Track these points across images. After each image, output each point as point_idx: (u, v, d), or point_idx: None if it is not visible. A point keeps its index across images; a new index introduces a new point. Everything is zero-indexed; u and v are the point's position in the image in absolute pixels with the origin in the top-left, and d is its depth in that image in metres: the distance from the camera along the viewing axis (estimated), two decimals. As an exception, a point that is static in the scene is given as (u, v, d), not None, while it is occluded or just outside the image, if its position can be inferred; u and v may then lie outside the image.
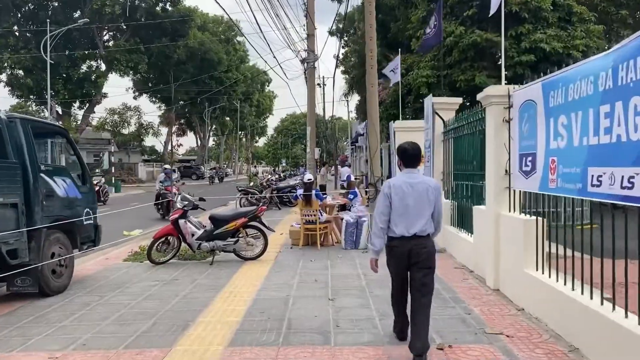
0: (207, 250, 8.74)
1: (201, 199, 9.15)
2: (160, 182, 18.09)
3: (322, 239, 10.20)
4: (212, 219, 8.81)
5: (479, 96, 7.19)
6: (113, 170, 38.54)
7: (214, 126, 75.84)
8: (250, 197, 18.54)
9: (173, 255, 8.97)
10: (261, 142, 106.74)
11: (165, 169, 19.41)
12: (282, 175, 34.67)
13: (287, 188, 20.50)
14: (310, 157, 20.10)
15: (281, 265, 8.44)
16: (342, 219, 10.37)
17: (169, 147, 60.97)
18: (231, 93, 66.57)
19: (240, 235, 8.79)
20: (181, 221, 8.67)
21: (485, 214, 7.00)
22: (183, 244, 8.88)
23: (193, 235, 8.70)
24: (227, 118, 75.86)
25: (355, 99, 47.62)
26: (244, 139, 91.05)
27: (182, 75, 56.23)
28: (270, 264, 8.61)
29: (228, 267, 8.43)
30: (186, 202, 8.77)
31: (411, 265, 4.30)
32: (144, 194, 34.37)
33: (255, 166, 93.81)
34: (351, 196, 10.41)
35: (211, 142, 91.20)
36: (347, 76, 43.65)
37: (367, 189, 10.07)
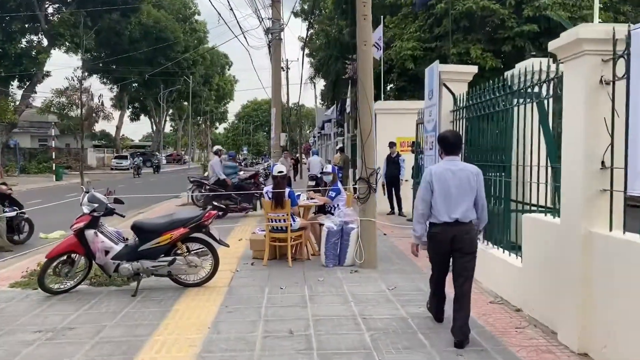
0: (128, 275, 6.00)
1: (117, 201, 6.33)
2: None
3: (294, 251, 7.60)
4: (137, 229, 6.06)
5: (552, 45, 4.67)
6: (54, 157, 34.73)
7: (170, 111, 72.00)
8: (205, 190, 15.70)
9: (80, 280, 6.20)
10: (221, 128, 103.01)
11: (219, 151, 15.00)
12: (243, 163, 31.81)
13: (249, 179, 17.71)
14: (275, 144, 17.35)
15: (238, 298, 5.77)
16: (320, 225, 7.78)
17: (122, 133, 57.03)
18: (189, 76, 63.04)
19: (178, 252, 6.08)
20: (89, 232, 5.89)
21: (558, 230, 4.50)
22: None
23: (108, 252, 5.94)
24: (185, 103, 72.15)
25: (321, 84, 45.18)
26: (202, 125, 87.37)
27: (135, 54, 52.39)
28: (222, 295, 5.93)
29: (159, 300, 5.72)
30: (96, 205, 5.96)
31: (454, 251, 4.42)
32: (110, 178, 30.96)
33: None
34: (332, 194, 7.83)
35: (168, 128, 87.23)
36: (312, 59, 40.99)
37: (355, 184, 7.49)
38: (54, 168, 32.47)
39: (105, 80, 57.91)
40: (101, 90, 68.17)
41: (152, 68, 55.78)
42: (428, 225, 4.47)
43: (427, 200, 4.40)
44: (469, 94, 7.61)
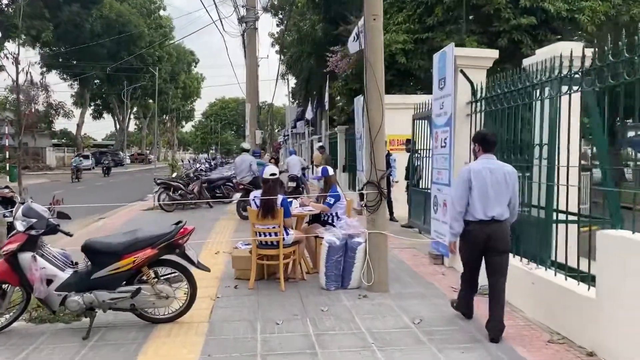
0: (78, 310, 4.59)
1: (61, 215, 4.87)
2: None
3: (287, 271, 6.29)
4: (90, 250, 4.64)
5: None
6: (8, 156, 32.42)
7: (134, 108, 69.47)
8: (174, 193, 14.22)
9: (16, 316, 4.77)
10: (188, 127, 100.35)
11: (243, 150, 13.49)
12: (212, 163, 30.19)
13: (221, 180, 16.28)
14: (250, 142, 16.00)
15: (223, 342, 4.42)
16: (316, 237, 6.49)
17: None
18: (154, 71, 60.85)
19: (144, 279, 4.71)
20: (24, 256, 4.46)
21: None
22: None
23: (51, 281, 4.52)
24: (150, 100, 69.73)
25: (292, 81, 43.78)
26: (168, 124, 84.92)
27: (97, 49, 50.00)
28: (202, 336, 4.57)
29: (119, 345, 4.35)
30: (34, 220, 4.52)
31: (488, 249, 4.47)
32: (48, 183, 28.82)
33: (185, 153, 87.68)
34: (331, 200, 6.55)
35: (133, 126, 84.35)
36: (282, 56, 39.60)
37: (361, 190, 6.19)
38: (7, 168, 30.19)
39: (65, 76, 55.26)
40: (61, 87, 65.15)
41: (115, 64, 53.62)
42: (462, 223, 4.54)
43: (465, 198, 4.46)
44: (490, 84, 6.45)
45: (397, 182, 12.00)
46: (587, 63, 4.68)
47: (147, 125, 73.86)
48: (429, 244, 7.81)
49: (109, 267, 4.55)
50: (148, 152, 75.69)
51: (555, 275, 4.77)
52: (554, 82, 5.14)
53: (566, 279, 4.62)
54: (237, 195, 12.79)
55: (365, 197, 5.96)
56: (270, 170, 6.03)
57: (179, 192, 14.22)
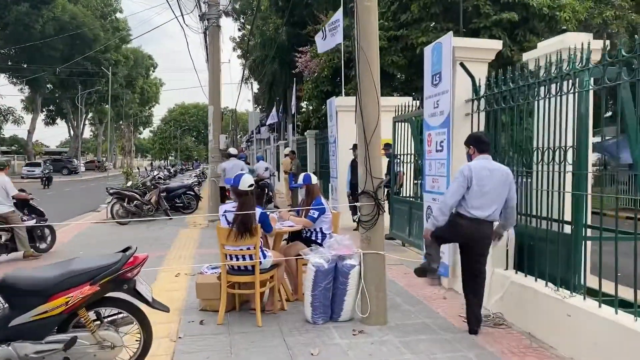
0: (-10, 370, 3.45)
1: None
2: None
3: (264, 301, 5.26)
4: (7, 288, 3.50)
5: None
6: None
7: (90, 114, 66.84)
8: (128, 203, 12.93)
9: None
10: (146, 133, 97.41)
11: (230, 155, 12.91)
12: (172, 171, 28.70)
13: (181, 189, 15.06)
14: (213, 147, 14.81)
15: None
16: (297, 259, 5.48)
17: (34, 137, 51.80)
18: (109, 76, 58.69)
19: (81, 324, 3.60)
20: None
21: None
22: None
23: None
24: (107, 106, 67.29)
25: (255, 86, 42.61)
26: (126, 130, 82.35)
27: (50, 52, 47.70)
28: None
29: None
30: None
31: (467, 247, 4.61)
32: None
33: (143, 160, 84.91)
34: (315, 213, 5.54)
35: (89, 133, 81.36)
36: (243, 61, 38.45)
37: (353, 201, 5.16)
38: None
39: (15, 80, 52.56)
40: (10, 91, 62.10)
41: (69, 67, 51.42)
42: (451, 215, 4.53)
43: (460, 195, 4.45)
44: (492, 79, 5.60)
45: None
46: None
47: (102, 131, 71.27)
48: (419, 259, 6.90)
49: (33, 311, 3.42)
50: (104, 159, 73.13)
51: (600, 306, 3.90)
52: (583, 73, 4.30)
53: (616, 313, 3.74)
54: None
55: (359, 210, 4.97)
56: (247, 180, 4.97)
57: (135, 202, 12.93)
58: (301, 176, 5.97)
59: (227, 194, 12.54)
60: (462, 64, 5.96)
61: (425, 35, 12.87)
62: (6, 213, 8.33)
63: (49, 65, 48.40)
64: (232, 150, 13.48)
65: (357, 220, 4.86)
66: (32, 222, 8.76)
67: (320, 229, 5.72)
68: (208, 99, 14.98)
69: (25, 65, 50.22)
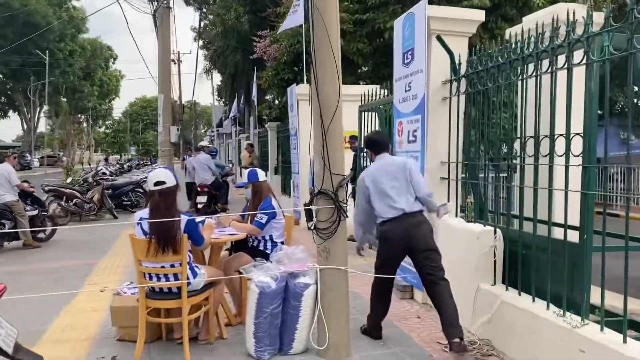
0: None
1: None
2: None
3: (194, 328, 4.20)
4: None
5: None
6: None
7: (45, 107, 64.05)
8: (67, 202, 11.63)
9: None
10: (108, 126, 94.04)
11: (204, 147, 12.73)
12: (125, 166, 27.13)
13: (129, 186, 13.79)
14: (163, 140, 13.59)
15: None
16: (241, 275, 4.42)
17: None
18: (66, 68, 56.24)
19: None
20: None
21: None
22: None
23: None
24: (64, 99, 64.60)
25: (218, 78, 41.10)
26: (84, 123, 79.44)
27: (-1, 41, 45.29)
28: None
29: None
30: None
31: (412, 250, 4.06)
32: None
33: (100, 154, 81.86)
34: (263, 218, 4.50)
35: (46, 127, 78.12)
36: (206, 51, 36.99)
37: (308, 205, 4.17)
38: None
39: (-40, 70, 49.81)
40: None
41: (21, 57, 49.01)
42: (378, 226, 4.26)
43: (363, 208, 4.28)
44: (475, 55, 4.68)
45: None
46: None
47: (57, 125, 68.51)
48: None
49: None
50: (61, 154, 70.35)
51: (625, 341, 2.99)
52: (595, 38, 3.38)
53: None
54: (201, 200, 11.79)
55: (315, 214, 3.95)
56: (154, 177, 3.88)
57: (74, 201, 11.65)
58: (245, 172, 4.92)
59: (202, 190, 11.93)
60: (439, 38, 5.01)
61: (393, 18, 11.86)
62: (10, 202, 8.70)
63: (-1, 55, 45.93)
64: (204, 143, 13.02)
65: (312, 227, 3.79)
66: (34, 212, 9.21)
67: (270, 236, 4.69)
68: (157, 86, 13.73)
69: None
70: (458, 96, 4.99)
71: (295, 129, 10.85)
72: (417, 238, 4.00)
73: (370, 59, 12.85)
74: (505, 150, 4.64)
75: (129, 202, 13.58)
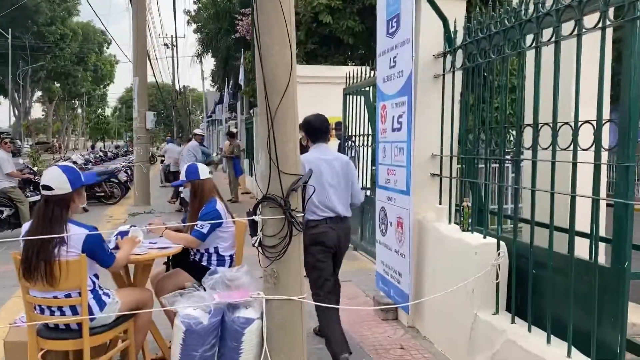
0: None
1: None
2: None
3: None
4: None
5: None
6: None
7: (37, 93, 63.03)
8: (33, 191, 10.66)
9: None
10: (108, 112, 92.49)
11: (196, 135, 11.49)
12: (112, 153, 26.15)
13: (102, 176, 12.82)
14: (139, 127, 12.65)
15: None
16: (175, 311, 3.46)
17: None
18: (57, 52, 55.09)
19: None
20: None
21: None
22: None
23: None
24: (58, 84, 63.52)
25: (211, 63, 39.92)
26: (79, 109, 78.32)
27: (-14, 25, 44.23)
28: None
29: None
30: None
31: (336, 253, 3.79)
32: None
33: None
34: (203, 227, 3.54)
35: (41, 113, 76.90)
36: (199, 35, 35.85)
37: (251, 213, 3.26)
38: None
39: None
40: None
41: (12, 41, 47.94)
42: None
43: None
44: (474, 20, 3.71)
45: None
46: None
47: (52, 111, 67.51)
48: (372, 275, 5.06)
49: None
50: (55, 140, 69.34)
51: None
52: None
53: None
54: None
55: (260, 227, 2.98)
56: (46, 177, 2.93)
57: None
58: (183, 168, 3.94)
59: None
60: (430, 1, 4.02)
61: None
62: (7, 189, 8.53)
63: (-15, 39, 44.94)
64: (198, 131, 12.26)
65: (256, 244, 2.81)
66: (36, 198, 8.70)
67: (216, 249, 3.74)
68: (132, 68, 12.73)
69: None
70: (453, 73, 4.01)
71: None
72: (345, 242, 3.85)
73: (361, 38, 11.83)
74: (512, 141, 3.67)
75: (102, 194, 12.62)
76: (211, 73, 42.79)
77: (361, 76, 7.10)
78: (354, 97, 7.46)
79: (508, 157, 3.92)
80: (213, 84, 42.80)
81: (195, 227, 3.60)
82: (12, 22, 46.44)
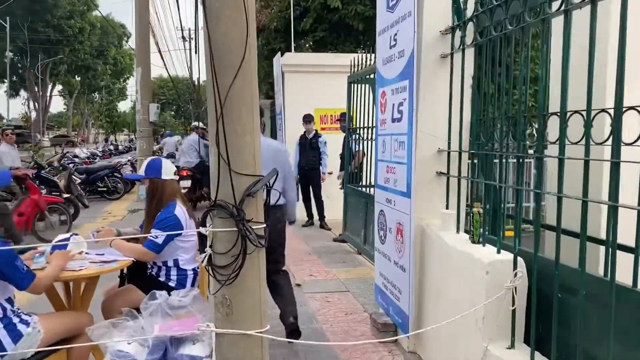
0: None
1: None
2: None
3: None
4: None
5: None
6: None
7: (57, 86, 63.51)
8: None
9: None
10: (124, 106, 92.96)
11: (197, 128, 11.23)
12: (124, 146, 25.85)
13: (104, 170, 12.39)
14: (142, 120, 12.15)
15: None
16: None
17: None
18: (77, 45, 55.33)
19: None
20: None
21: None
22: None
23: None
24: (78, 78, 63.94)
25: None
26: (100, 102, 78.80)
27: (6, 18, 44.44)
28: None
29: None
30: None
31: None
32: None
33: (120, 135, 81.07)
34: (158, 237, 2.95)
35: (62, 107, 77.57)
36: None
37: (200, 223, 2.68)
38: None
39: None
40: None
41: (31, 34, 48.30)
42: None
43: None
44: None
45: (330, 173, 8.60)
46: None
47: (72, 104, 68.03)
48: (372, 284, 4.43)
49: None
50: (75, 133, 69.89)
51: None
52: None
53: None
54: (185, 184, 10.44)
55: (209, 241, 2.37)
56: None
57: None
58: (144, 163, 3.35)
59: (181, 174, 10.49)
60: (434, -36, 3.35)
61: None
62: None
63: (5, 33, 45.24)
64: (197, 123, 11.85)
65: (204, 262, 2.18)
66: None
67: (175, 261, 3.15)
68: (135, 58, 12.24)
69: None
70: (463, 51, 3.34)
71: (281, 106, 9.26)
72: (278, 230, 3.82)
73: (372, 23, 11.14)
74: (534, 133, 2.99)
75: (105, 189, 12.19)
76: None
77: (366, 63, 6.45)
78: (359, 85, 6.81)
79: (531, 151, 3.25)
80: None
81: (148, 237, 3.01)
82: (32, 14, 46.70)
